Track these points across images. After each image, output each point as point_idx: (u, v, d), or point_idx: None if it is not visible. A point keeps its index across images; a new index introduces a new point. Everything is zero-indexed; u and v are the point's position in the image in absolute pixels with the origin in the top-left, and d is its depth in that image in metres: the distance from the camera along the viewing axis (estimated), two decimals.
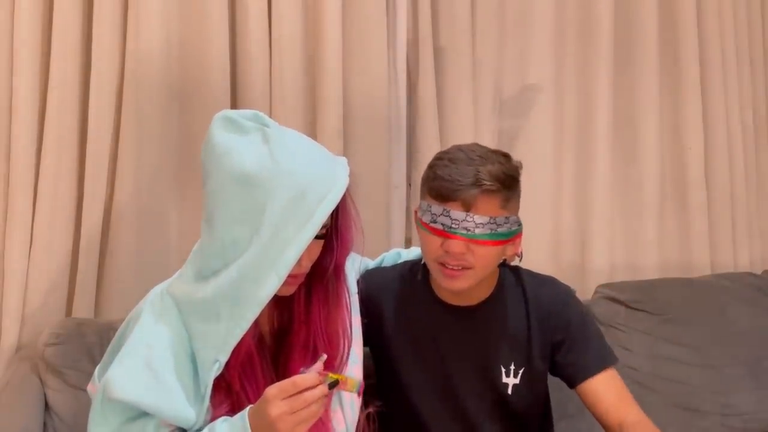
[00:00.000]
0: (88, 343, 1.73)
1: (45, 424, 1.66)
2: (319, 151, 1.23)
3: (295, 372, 1.16)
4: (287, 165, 1.14)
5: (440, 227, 1.32)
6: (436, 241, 1.34)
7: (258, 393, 1.15)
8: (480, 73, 2.28)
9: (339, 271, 1.32)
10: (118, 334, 1.32)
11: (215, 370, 1.15)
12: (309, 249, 1.16)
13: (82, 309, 1.89)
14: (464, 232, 1.31)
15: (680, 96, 2.50)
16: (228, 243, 1.15)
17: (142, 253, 1.93)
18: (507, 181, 1.34)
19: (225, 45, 1.98)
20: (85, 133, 1.89)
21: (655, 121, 2.47)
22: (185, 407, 1.16)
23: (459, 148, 1.39)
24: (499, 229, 1.33)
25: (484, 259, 1.35)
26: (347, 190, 1.20)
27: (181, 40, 1.96)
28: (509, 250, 1.40)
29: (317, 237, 1.18)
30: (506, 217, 1.34)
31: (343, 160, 1.25)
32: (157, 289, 1.29)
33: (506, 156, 1.39)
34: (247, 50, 2.00)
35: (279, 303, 1.26)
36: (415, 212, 1.45)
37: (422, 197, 1.39)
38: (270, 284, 1.13)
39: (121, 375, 1.16)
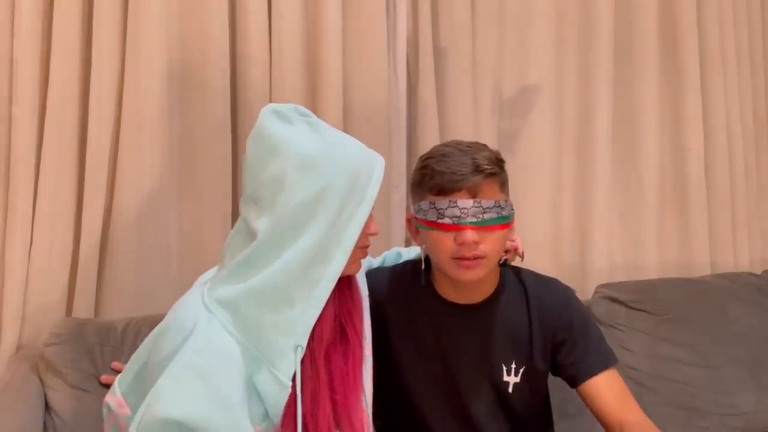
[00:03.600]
0: (88, 343, 1.73)
1: (45, 424, 1.66)
2: (351, 137, 1.32)
3: (338, 360, 1.27)
4: (340, 148, 1.22)
5: (449, 221, 1.33)
6: (448, 237, 1.34)
7: (342, 372, 1.24)
8: (480, 73, 2.28)
9: None
10: (143, 352, 1.28)
11: (299, 354, 1.17)
12: (368, 223, 1.25)
13: (82, 309, 1.89)
14: (474, 220, 1.32)
15: (680, 96, 2.50)
16: (290, 227, 1.17)
17: (142, 252, 1.93)
18: (500, 164, 1.39)
19: (225, 45, 1.98)
20: (85, 133, 1.89)
21: (655, 121, 2.47)
22: (246, 424, 1.14)
23: (444, 145, 1.42)
24: (503, 212, 1.36)
25: (495, 245, 1.36)
26: None
27: (181, 40, 1.97)
28: (509, 235, 1.42)
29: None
30: (505, 200, 1.37)
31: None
32: (195, 301, 1.23)
33: (485, 145, 1.42)
34: (247, 50, 2.00)
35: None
36: (409, 220, 1.45)
37: (420, 199, 1.39)
38: (338, 260, 1.19)
39: (173, 390, 1.11)
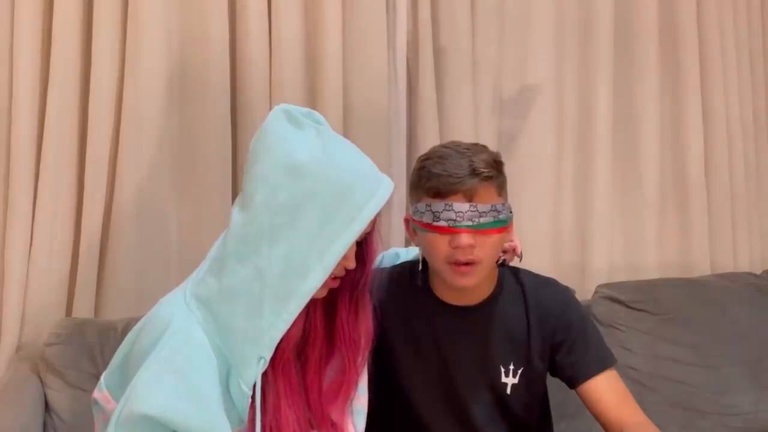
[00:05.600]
0: (88, 343, 1.74)
1: (45, 424, 1.67)
2: (364, 156, 1.25)
3: (313, 374, 1.25)
4: (338, 159, 1.16)
5: (445, 224, 1.32)
6: (443, 240, 1.33)
7: (292, 392, 1.19)
8: (480, 73, 2.28)
9: (366, 283, 1.32)
10: (126, 346, 1.26)
11: (261, 366, 1.14)
12: (349, 254, 1.18)
13: (82, 309, 1.89)
14: (470, 223, 1.31)
15: (680, 96, 2.50)
16: (266, 228, 1.14)
17: (142, 253, 1.93)
18: (498, 167, 1.37)
19: (225, 45, 1.98)
20: (85, 132, 1.90)
21: (655, 121, 2.47)
22: (223, 423, 1.13)
23: (443, 146, 1.40)
24: (500, 216, 1.35)
25: (490, 250, 1.36)
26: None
27: (181, 40, 1.97)
28: (506, 238, 1.42)
29: (357, 243, 1.21)
30: (503, 204, 1.37)
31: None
32: (176, 296, 1.22)
33: (485, 146, 1.41)
34: (247, 50, 2.00)
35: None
36: (407, 221, 1.45)
37: (417, 200, 1.38)
38: (314, 277, 1.14)
39: (150, 387, 1.09)
